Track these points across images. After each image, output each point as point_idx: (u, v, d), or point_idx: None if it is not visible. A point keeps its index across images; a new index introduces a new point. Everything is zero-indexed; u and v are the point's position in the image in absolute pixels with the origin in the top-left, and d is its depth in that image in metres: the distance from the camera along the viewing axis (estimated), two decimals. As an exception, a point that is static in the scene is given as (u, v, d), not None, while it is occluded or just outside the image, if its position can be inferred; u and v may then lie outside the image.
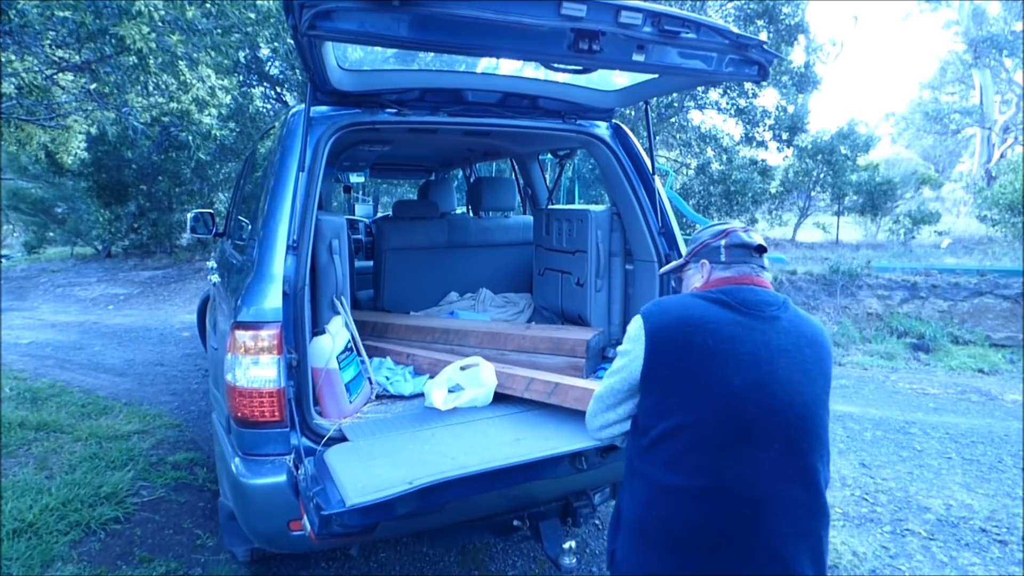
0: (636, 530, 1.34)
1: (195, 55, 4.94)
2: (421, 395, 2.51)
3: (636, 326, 1.40)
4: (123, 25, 4.18)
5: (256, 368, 1.88)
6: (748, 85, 10.53)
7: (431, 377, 2.67)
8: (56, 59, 4.88)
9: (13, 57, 4.52)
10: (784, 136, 11.77)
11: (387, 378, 2.59)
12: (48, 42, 4.60)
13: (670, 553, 1.28)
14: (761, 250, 1.46)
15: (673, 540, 1.28)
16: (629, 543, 1.35)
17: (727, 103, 11.75)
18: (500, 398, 2.35)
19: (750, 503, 1.25)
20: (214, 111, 5.68)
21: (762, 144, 12.07)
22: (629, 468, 1.42)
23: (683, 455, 1.28)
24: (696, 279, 1.53)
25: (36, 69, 4.78)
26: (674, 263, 1.66)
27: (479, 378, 2.24)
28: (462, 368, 2.34)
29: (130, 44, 4.25)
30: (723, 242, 1.47)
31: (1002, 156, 18.78)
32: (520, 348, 2.83)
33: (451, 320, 3.40)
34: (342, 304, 2.44)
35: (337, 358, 2.23)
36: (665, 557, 1.29)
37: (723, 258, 1.46)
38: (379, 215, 7.13)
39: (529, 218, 4.08)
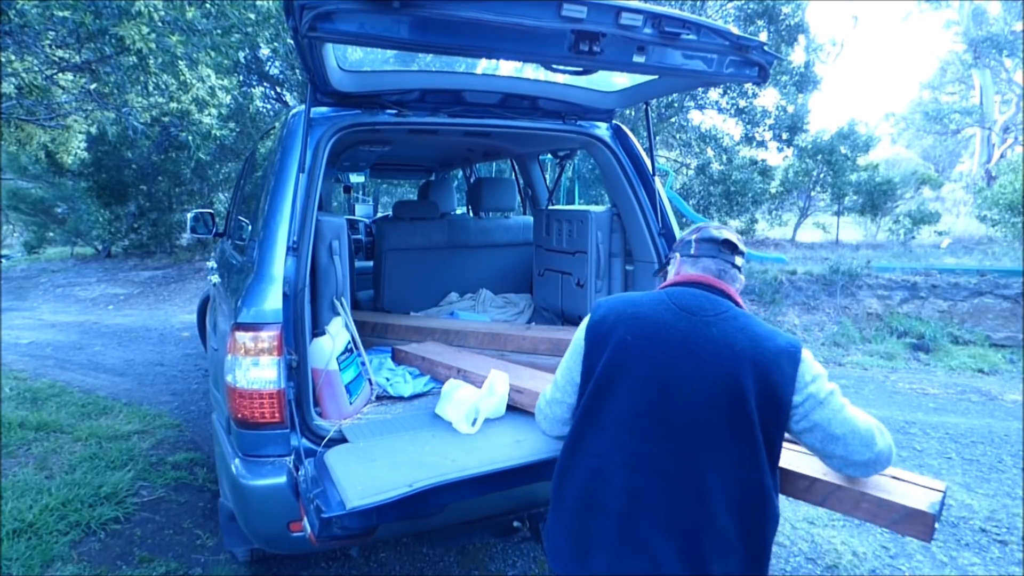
0: (553, 500, 1.49)
1: (195, 55, 4.94)
2: (421, 396, 2.51)
3: (584, 319, 1.52)
4: (123, 25, 4.18)
5: (256, 369, 1.88)
6: (748, 85, 10.52)
7: (435, 381, 2.67)
8: (56, 59, 4.87)
9: (13, 57, 4.52)
10: (784, 136, 11.77)
11: (387, 379, 2.59)
12: (48, 42, 4.60)
13: (568, 520, 1.41)
14: (728, 245, 1.50)
15: (570, 509, 1.41)
16: (550, 511, 1.51)
17: (727, 103, 11.76)
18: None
19: (627, 491, 1.34)
20: (214, 111, 5.68)
21: (762, 144, 12.07)
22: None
23: (585, 437, 1.42)
24: (671, 274, 1.59)
25: (36, 69, 4.78)
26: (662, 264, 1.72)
27: (493, 388, 2.23)
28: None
29: (130, 44, 4.25)
30: (694, 236, 1.54)
31: (1002, 156, 18.78)
32: (520, 349, 2.83)
33: (451, 321, 3.40)
34: (342, 305, 2.44)
35: (337, 359, 2.23)
36: (564, 524, 1.42)
37: (692, 251, 1.52)
38: (379, 215, 7.14)
39: (529, 219, 4.08)
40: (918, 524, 1.44)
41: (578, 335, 1.52)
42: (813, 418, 1.33)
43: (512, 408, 2.27)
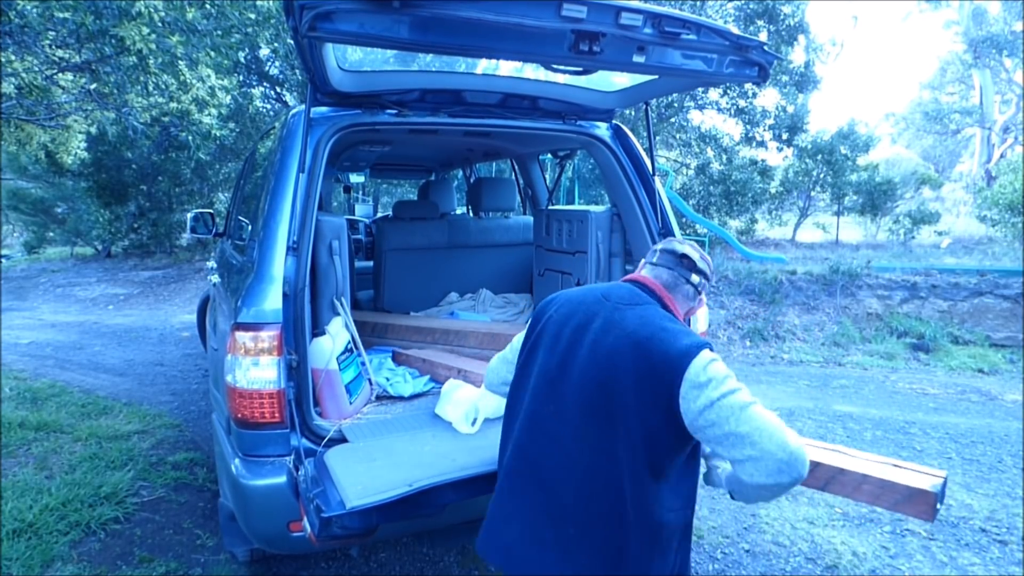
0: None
1: (195, 55, 4.94)
2: (421, 396, 2.51)
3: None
4: (123, 26, 4.18)
5: (256, 369, 1.88)
6: (748, 85, 10.53)
7: (435, 381, 2.67)
8: (56, 59, 4.87)
9: (13, 57, 4.52)
10: (784, 136, 11.76)
11: (387, 379, 2.60)
12: (48, 42, 4.59)
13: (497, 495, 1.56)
14: (686, 260, 1.54)
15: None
16: None
17: (727, 103, 11.75)
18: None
19: (517, 448, 1.50)
20: (214, 111, 5.68)
21: (762, 144, 12.06)
22: None
23: (510, 400, 1.59)
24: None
25: (36, 69, 4.78)
26: None
27: None
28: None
29: (130, 45, 4.24)
30: (660, 246, 1.62)
31: (1002, 156, 18.78)
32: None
33: (451, 320, 3.40)
34: (342, 305, 2.44)
35: (337, 359, 2.23)
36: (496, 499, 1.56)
37: (654, 259, 1.59)
38: (379, 215, 7.14)
39: (529, 219, 4.08)
40: (920, 504, 1.43)
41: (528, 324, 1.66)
42: (708, 415, 1.27)
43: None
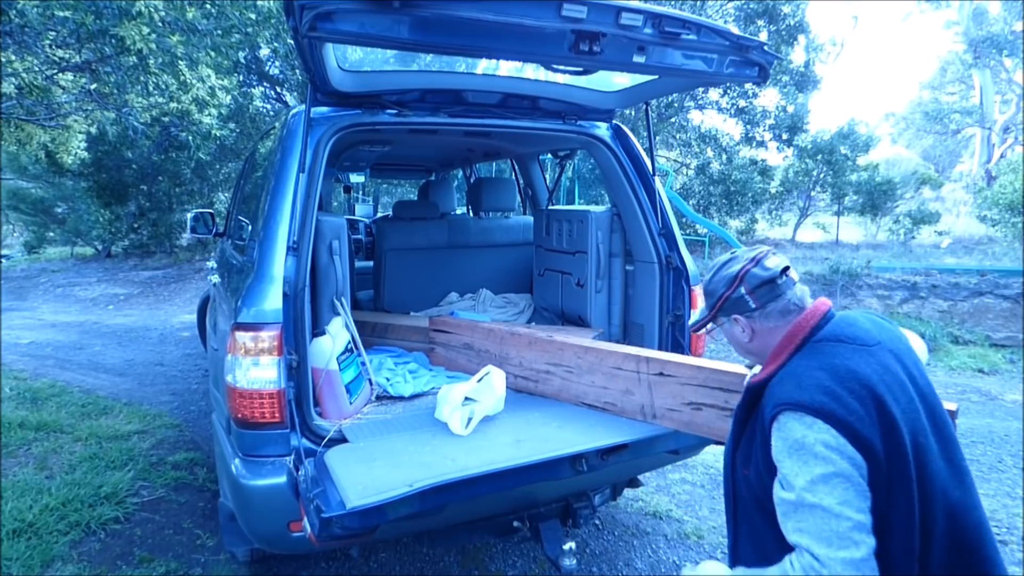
0: None
1: (195, 55, 4.94)
2: (421, 396, 2.51)
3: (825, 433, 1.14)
4: (123, 26, 4.18)
5: (256, 369, 1.88)
6: (748, 85, 10.54)
7: (435, 381, 2.66)
8: (56, 59, 4.87)
9: (13, 57, 4.52)
10: (784, 136, 11.77)
11: (387, 379, 2.59)
12: (48, 42, 4.59)
13: None
14: (786, 271, 1.32)
15: None
16: None
17: (727, 103, 11.76)
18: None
19: None
20: (214, 111, 5.68)
21: (762, 144, 12.07)
22: None
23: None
24: (741, 335, 1.36)
25: (36, 69, 4.78)
26: (701, 318, 1.45)
27: (492, 387, 2.22)
28: (478, 380, 2.30)
29: (130, 45, 4.24)
30: (743, 289, 1.30)
31: (1002, 156, 18.77)
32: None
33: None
34: (342, 305, 2.44)
35: (337, 359, 2.23)
36: None
37: (753, 304, 1.30)
38: (379, 215, 7.13)
39: (529, 218, 4.08)
40: None
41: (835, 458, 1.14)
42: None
43: (512, 407, 2.27)
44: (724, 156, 11.99)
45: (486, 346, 2.70)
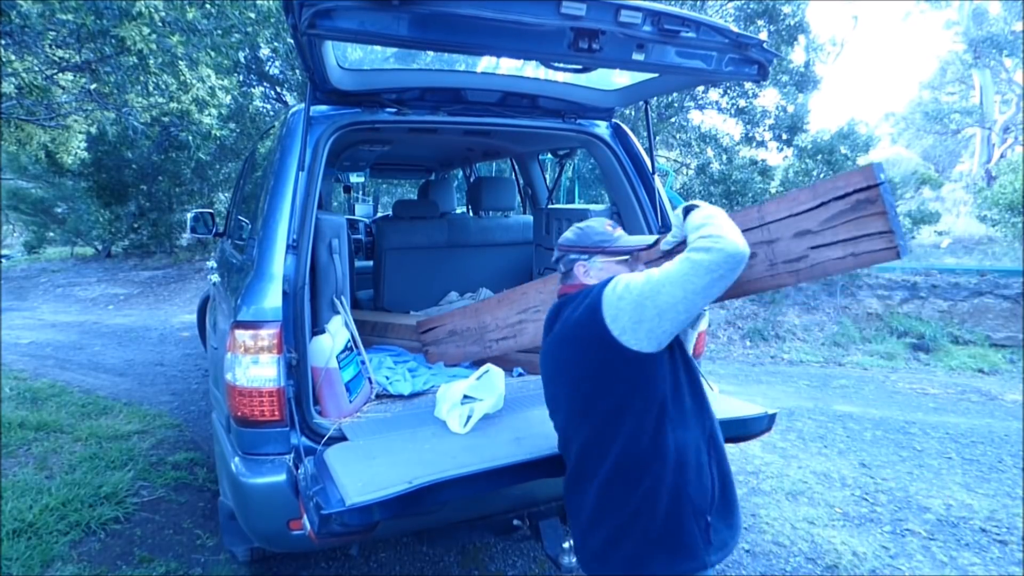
0: None
1: (195, 55, 4.93)
2: (421, 394, 2.51)
3: None
4: (123, 26, 4.18)
5: (256, 367, 1.88)
6: (748, 85, 10.54)
7: (434, 379, 2.66)
8: (56, 59, 4.87)
9: (13, 57, 4.52)
10: (784, 136, 11.76)
11: (387, 377, 2.59)
12: (48, 42, 4.59)
13: None
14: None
15: None
16: None
17: (727, 103, 11.75)
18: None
19: None
20: (214, 111, 5.68)
21: (762, 144, 12.06)
22: None
23: None
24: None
25: (36, 69, 4.78)
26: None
27: (492, 384, 2.22)
28: (477, 378, 2.30)
29: (130, 45, 4.24)
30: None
31: (1002, 156, 18.76)
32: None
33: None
34: (342, 303, 2.44)
35: (337, 357, 2.23)
36: None
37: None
38: (379, 215, 7.14)
39: (529, 218, 4.08)
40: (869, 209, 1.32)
41: None
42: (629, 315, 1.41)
43: (512, 406, 2.27)
44: (724, 156, 11.99)
45: (466, 324, 2.76)
